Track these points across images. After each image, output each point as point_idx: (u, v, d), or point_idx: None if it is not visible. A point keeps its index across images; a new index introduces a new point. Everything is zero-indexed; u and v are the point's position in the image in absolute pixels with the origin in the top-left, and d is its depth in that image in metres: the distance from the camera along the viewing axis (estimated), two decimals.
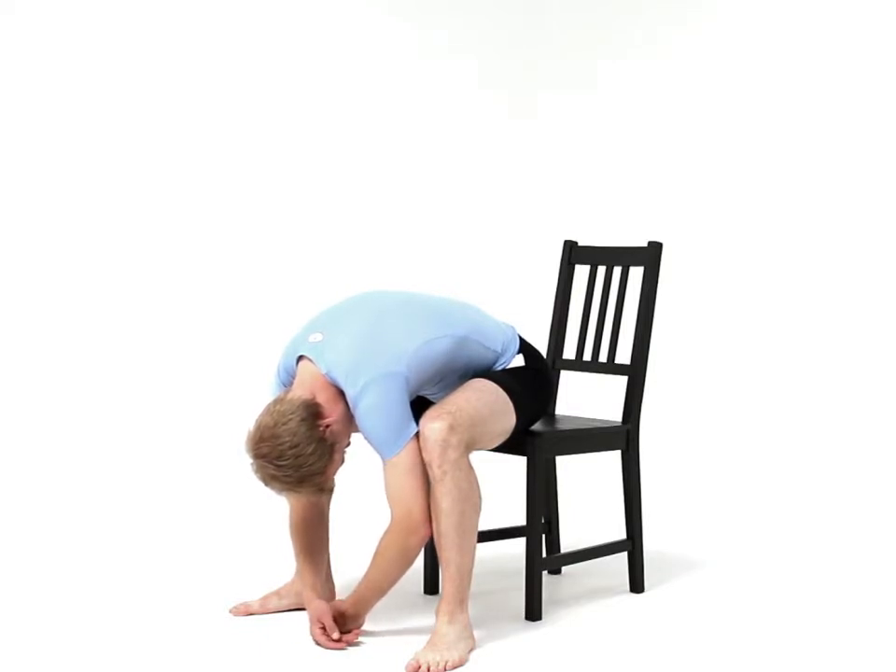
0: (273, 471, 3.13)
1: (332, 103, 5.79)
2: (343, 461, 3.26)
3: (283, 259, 5.70)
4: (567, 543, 4.23)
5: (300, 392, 3.21)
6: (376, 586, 3.28)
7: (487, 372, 3.42)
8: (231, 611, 3.56)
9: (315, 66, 5.76)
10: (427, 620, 3.45)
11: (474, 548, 3.25)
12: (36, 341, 5.33)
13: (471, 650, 3.25)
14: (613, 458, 4.15)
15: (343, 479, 3.74)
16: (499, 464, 4.14)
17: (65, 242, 5.37)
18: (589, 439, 3.67)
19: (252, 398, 5.46)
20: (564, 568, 4.02)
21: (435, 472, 3.18)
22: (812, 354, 5.43)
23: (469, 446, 3.24)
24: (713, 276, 5.72)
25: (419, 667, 3.12)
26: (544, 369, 3.53)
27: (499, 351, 3.45)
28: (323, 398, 3.21)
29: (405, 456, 3.19)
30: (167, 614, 3.55)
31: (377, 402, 3.16)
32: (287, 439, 3.12)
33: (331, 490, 3.41)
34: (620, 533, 4.28)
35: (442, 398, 3.39)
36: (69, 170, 5.37)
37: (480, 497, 3.26)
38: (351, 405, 3.20)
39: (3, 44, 5.24)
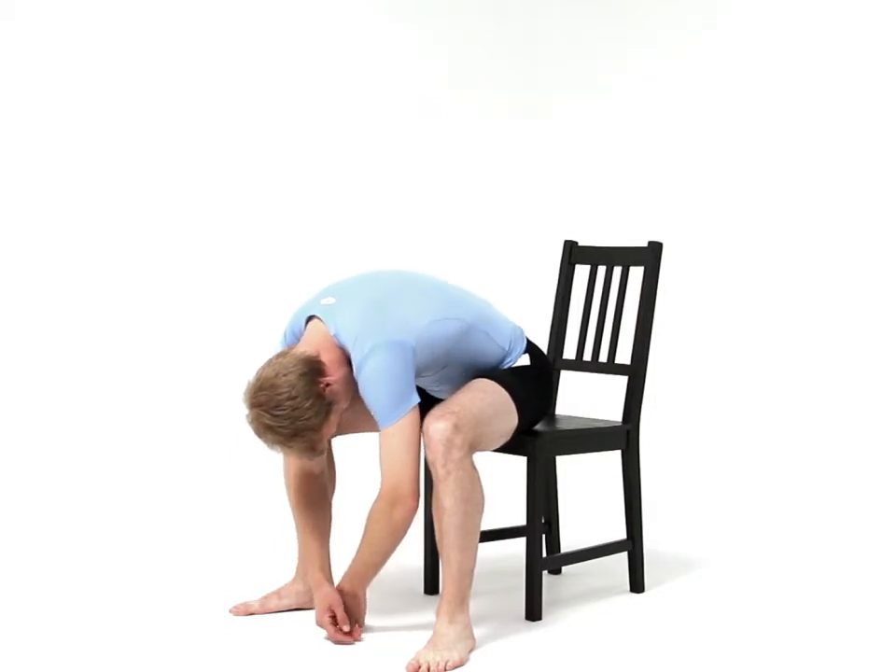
0: (268, 421, 3.12)
1: (335, 104, 5.79)
2: (337, 424, 3.25)
3: (283, 259, 5.69)
4: (567, 543, 4.23)
5: (304, 348, 3.21)
6: (369, 560, 3.27)
7: (491, 373, 3.42)
8: (231, 611, 3.56)
9: (319, 68, 5.75)
10: (427, 620, 3.45)
11: (476, 548, 3.25)
12: (35, 338, 5.33)
13: (471, 650, 3.26)
14: (613, 458, 4.15)
15: (345, 479, 3.74)
16: (499, 464, 4.13)
17: (66, 240, 5.37)
18: (589, 439, 3.68)
19: None
20: (564, 568, 4.02)
21: (439, 472, 3.18)
22: (812, 353, 5.42)
23: (473, 446, 3.23)
24: (713, 276, 5.72)
25: (419, 667, 3.13)
26: (547, 369, 3.53)
27: (506, 349, 3.45)
28: (327, 357, 3.21)
29: (402, 427, 3.17)
30: (167, 614, 3.55)
31: (382, 367, 3.15)
32: (286, 390, 3.11)
33: (323, 451, 3.32)
34: (620, 533, 4.27)
35: (445, 390, 3.39)
36: (70, 173, 5.36)
37: (483, 498, 3.25)
38: (355, 369, 3.20)
39: (2, 48, 5.24)
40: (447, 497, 3.18)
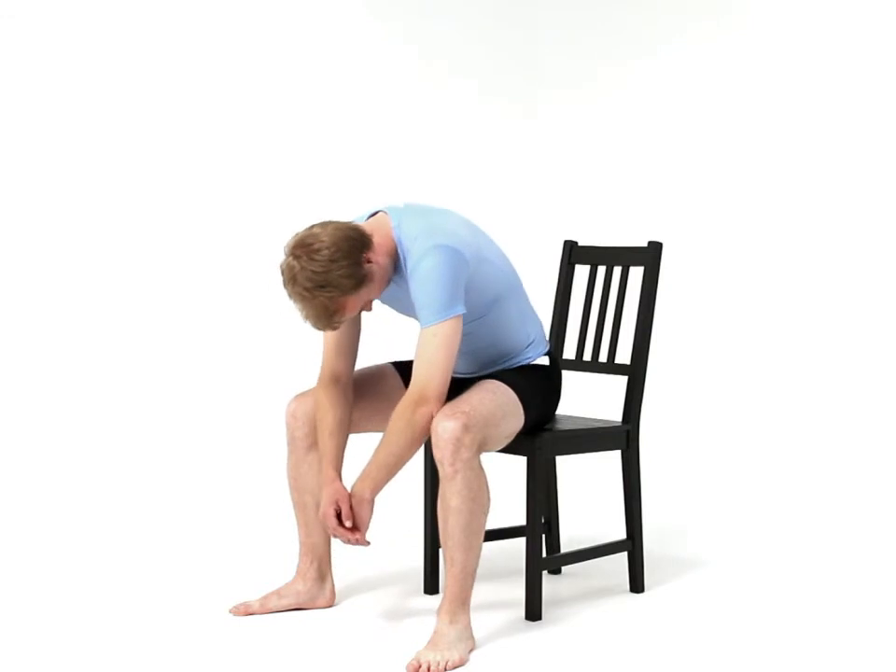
0: (303, 263, 3.15)
1: (333, 105, 5.79)
2: (364, 310, 3.28)
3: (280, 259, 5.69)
4: (567, 543, 4.23)
5: (361, 224, 3.28)
6: (383, 462, 3.24)
7: (501, 374, 3.44)
8: (231, 611, 3.56)
9: (316, 69, 5.75)
10: (428, 620, 3.45)
11: (480, 548, 3.25)
12: (35, 338, 5.33)
13: (472, 650, 3.26)
14: (613, 458, 4.16)
15: (347, 479, 3.74)
16: (499, 464, 4.14)
17: (65, 237, 5.37)
18: (589, 439, 3.68)
19: (253, 398, 5.47)
20: (564, 568, 4.02)
21: (446, 470, 3.18)
22: (812, 353, 5.43)
23: (481, 447, 3.24)
24: (713, 276, 5.72)
25: (419, 667, 3.13)
26: (556, 372, 3.55)
27: (530, 338, 3.49)
28: (377, 241, 3.26)
29: (445, 329, 3.20)
30: (167, 614, 3.55)
31: (439, 266, 3.19)
32: (328, 242, 3.17)
33: (338, 327, 3.26)
34: (620, 533, 4.27)
35: (460, 356, 3.39)
36: (69, 171, 5.36)
37: (489, 499, 3.25)
38: (411, 268, 3.23)
39: (2, 48, 5.25)
40: (454, 496, 3.19)
